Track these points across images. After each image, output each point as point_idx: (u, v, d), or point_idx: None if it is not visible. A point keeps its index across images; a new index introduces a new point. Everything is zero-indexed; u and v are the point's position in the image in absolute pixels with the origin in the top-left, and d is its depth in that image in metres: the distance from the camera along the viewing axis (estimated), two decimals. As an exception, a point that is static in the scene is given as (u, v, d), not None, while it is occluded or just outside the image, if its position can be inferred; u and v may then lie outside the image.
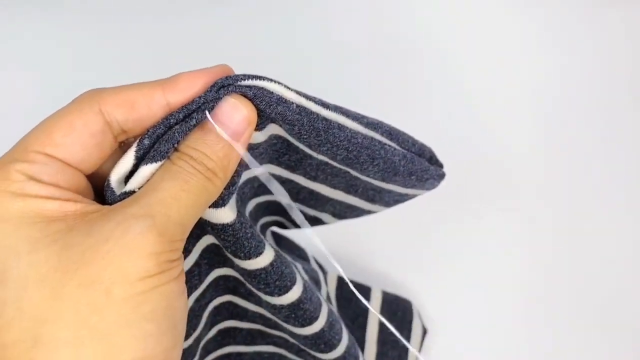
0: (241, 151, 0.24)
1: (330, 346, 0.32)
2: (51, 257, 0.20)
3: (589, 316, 0.47)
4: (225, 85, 0.24)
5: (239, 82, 0.24)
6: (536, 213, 0.51)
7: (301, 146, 0.28)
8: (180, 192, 0.22)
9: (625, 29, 0.58)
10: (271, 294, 0.29)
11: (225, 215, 0.26)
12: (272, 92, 0.24)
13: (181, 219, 0.22)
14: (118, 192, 0.23)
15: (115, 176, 0.23)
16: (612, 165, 0.53)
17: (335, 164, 0.29)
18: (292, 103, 0.24)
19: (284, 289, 0.28)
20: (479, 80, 0.56)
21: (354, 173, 0.30)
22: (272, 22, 0.59)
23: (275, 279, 0.28)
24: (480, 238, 0.50)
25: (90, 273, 0.20)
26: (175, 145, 0.23)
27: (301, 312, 0.30)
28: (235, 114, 0.24)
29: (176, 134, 0.23)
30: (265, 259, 0.27)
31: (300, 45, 0.58)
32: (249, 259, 0.27)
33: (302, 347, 0.33)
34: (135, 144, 0.24)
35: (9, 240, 0.21)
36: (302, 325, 0.30)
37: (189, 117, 0.23)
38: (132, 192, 0.23)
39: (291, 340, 0.34)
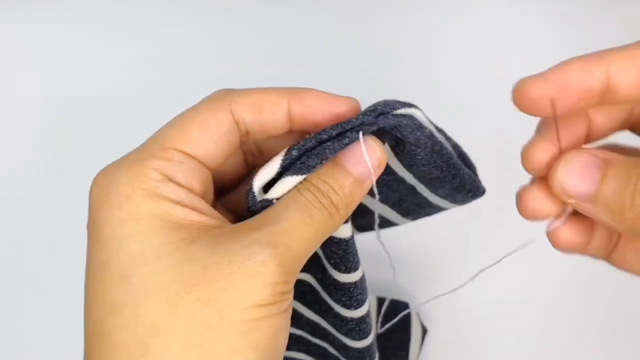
0: (366, 191, 0.24)
1: (371, 358, 0.33)
2: (173, 266, 0.21)
3: (589, 315, 0.47)
4: (385, 112, 0.24)
5: (395, 111, 0.24)
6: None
7: (395, 166, 0.28)
8: (304, 225, 0.22)
9: (625, 28, 0.58)
10: (349, 307, 0.29)
11: (347, 230, 0.26)
12: (417, 119, 0.25)
13: (300, 251, 0.22)
14: (259, 198, 0.23)
15: (258, 182, 0.24)
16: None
17: (410, 181, 0.30)
18: (426, 128, 0.25)
19: (361, 303, 0.29)
20: (480, 80, 0.56)
21: (420, 189, 0.31)
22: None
23: (358, 293, 0.28)
24: (480, 237, 0.50)
25: (209, 291, 0.20)
26: (324, 162, 0.23)
27: (364, 325, 0.30)
28: (371, 154, 0.24)
29: (327, 150, 0.23)
30: (358, 274, 0.28)
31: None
32: (348, 272, 0.27)
33: (343, 359, 0.34)
34: (282, 153, 0.24)
35: (137, 243, 0.21)
36: (360, 339, 0.31)
37: (342, 135, 0.24)
38: (270, 201, 0.23)
39: (330, 351, 0.36)
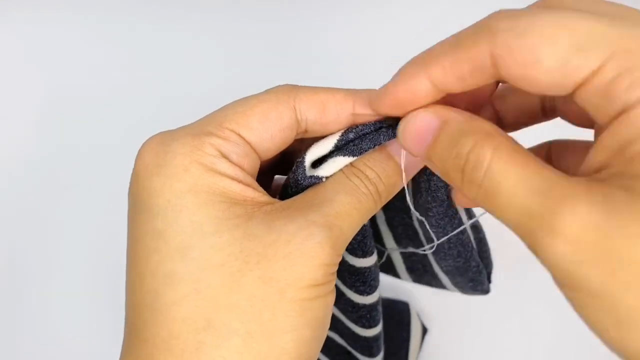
0: (405, 182, 0.25)
1: (378, 350, 0.34)
2: (233, 242, 0.21)
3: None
4: None
5: None
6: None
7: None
8: (353, 210, 0.23)
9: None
10: (362, 293, 0.29)
11: None
12: None
13: (349, 235, 0.23)
14: (308, 173, 0.24)
15: (310, 156, 0.24)
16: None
17: (421, 237, 0.30)
18: (448, 188, 0.26)
19: (374, 289, 0.30)
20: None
21: (428, 253, 0.31)
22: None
23: (372, 279, 0.29)
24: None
25: (270, 269, 0.21)
26: (376, 147, 0.24)
27: (375, 313, 0.31)
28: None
29: (381, 137, 0.24)
30: (373, 258, 0.28)
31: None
32: (365, 257, 0.28)
33: (351, 349, 0.34)
34: (339, 133, 0.24)
35: (195, 216, 0.21)
36: (370, 327, 0.32)
37: (396, 126, 0.24)
38: (320, 179, 0.24)
39: (338, 341, 0.36)
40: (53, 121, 0.56)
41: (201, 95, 0.55)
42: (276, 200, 0.23)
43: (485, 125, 0.20)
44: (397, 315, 0.46)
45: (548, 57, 0.17)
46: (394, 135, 0.24)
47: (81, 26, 0.60)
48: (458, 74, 0.20)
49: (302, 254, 0.21)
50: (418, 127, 0.22)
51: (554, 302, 0.48)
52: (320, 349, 0.23)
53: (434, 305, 0.48)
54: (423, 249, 0.29)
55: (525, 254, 0.48)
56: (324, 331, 0.23)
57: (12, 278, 0.51)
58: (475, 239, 0.30)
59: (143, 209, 0.22)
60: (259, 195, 0.23)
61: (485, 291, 0.33)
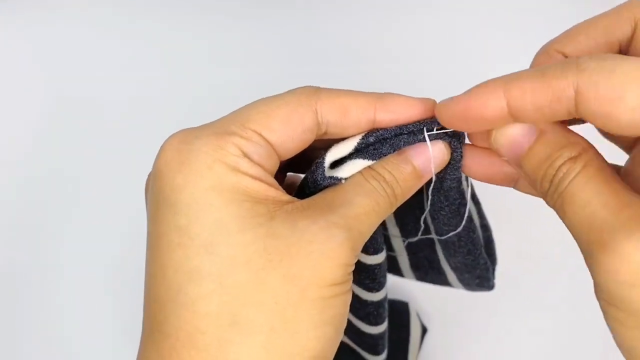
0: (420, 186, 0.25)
1: (383, 348, 0.34)
2: (257, 241, 0.21)
3: (592, 315, 0.47)
4: (458, 135, 0.25)
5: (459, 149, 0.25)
6: (535, 211, 0.51)
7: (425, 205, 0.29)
8: (372, 212, 0.23)
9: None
10: (370, 289, 0.30)
11: None
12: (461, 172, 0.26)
13: (366, 236, 0.23)
14: (327, 174, 0.24)
15: (331, 156, 0.25)
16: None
17: (432, 233, 0.31)
18: (462, 186, 0.27)
19: (382, 286, 0.30)
20: (479, 81, 0.56)
21: (437, 247, 0.32)
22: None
23: (381, 275, 0.29)
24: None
25: (293, 268, 0.21)
26: (394, 152, 0.25)
27: (382, 310, 0.31)
28: (437, 153, 0.25)
29: (402, 143, 0.24)
30: (382, 255, 0.29)
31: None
32: (375, 254, 0.28)
33: (356, 347, 0.35)
34: (360, 136, 0.25)
35: (219, 213, 0.21)
36: (377, 324, 0.32)
37: (417, 131, 0.25)
38: (339, 180, 0.24)
39: (342, 339, 0.36)
40: (57, 122, 0.56)
41: (201, 96, 0.56)
42: (296, 199, 0.24)
43: (581, 141, 0.21)
44: (397, 315, 0.47)
45: (632, 95, 0.18)
46: (414, 142, 0.25)
47: (86, 26, 0.60)
48: (537, 102, 0.20)
49: (324, 254, 0.21)
50: (516, 134, 0.22)
51: (554, 302, 0.49)
52: (338, 345, 0.23)
53: (434, 305, 0.49)
54: (447, 235, 0.29)
55: (525, 254, 0.49)
56: (343, 328, 0.23)
57: (12, 278, 0.51)
58: (483, 237, 0.31)
59: (166, 205, 0.22)
60: (280, 194, 0.23)
61: (491, 287, 0.33)
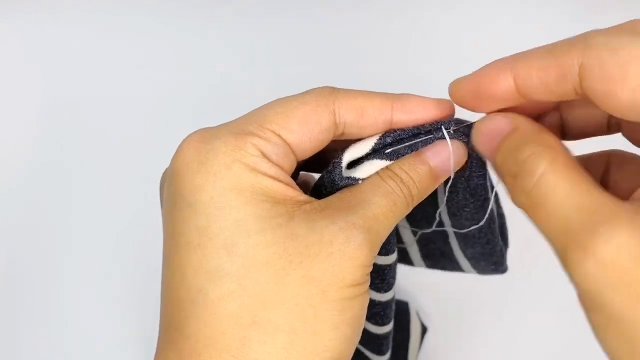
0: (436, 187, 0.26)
1: (387, 348, 0.34)
2: (277, 242, 0.21)
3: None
4: (470, 125, 0.25)
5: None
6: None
7: (442, 206, 0.29)
8: (390, 212, 0.23)
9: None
10: (379, 290, 0.30)
11: None
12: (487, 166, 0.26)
13: (384, 236, 0.24)
14: (345, 175, 0.24)
15: (348, 157, 0.25)
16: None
17: (447, 227, 0.31)
18: (487, 181, 0.27)
19: (390, 287, 0.30)
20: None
21: (451, 239, 0.32)
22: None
23: (391, 277, 0.29)
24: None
25: (313, 269, 0.21)
26: (412, 153, 0.25)
27: (389, 310, 0.31)
28: (455, 154, 0.25)
29: (420, 144, 0.25)
30: (394, 257, 0.29)
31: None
32: (387, 255, 0.28)
33: (360, 347, 0.34)
34: (377, 137, 0.25)
35: (239, 214, 0.21)
36: (383, 324, 0.32)
37: (435, 132, 0.25)
38: (357, 180, 0.24)
39: None
40: (57, 122, 0.55)
41: (201, 96, 0.55)
42: (314, 199, 0.24)
43: (550, 139, 0.21)
44: (397, 315, 0.47)
45: (634, 76, 0.18)
46: (431, 142, 0.25)
47: (84, 25, 0.59)
48: (544, 79, 0.20)
49: (344, 255, 0.21)
50: (492, 128, 0.23)
51: (554, 302, 0.49)
52: (356, 346, 0.23)
53: (434, 305, 0.49)
54: (469, 229, 0.30)
55: (525, 254, 0.49)
56: (361, 329, 0.23)
57: (12, 279, 0.50)
58: (499, 224, 0.31)
59: (184, 205, 0.22)
60: (298, 194, 0.23)
61: (504, 271, 0.34)
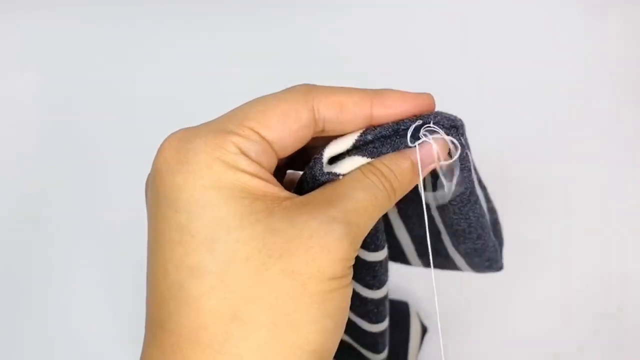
0: (420, 181, 0.26)
1: (383, 346, 0.35)
2: (256, 237, 0.22)
3: (592, 318, 0.47)
4: (457, 126, 0.25)
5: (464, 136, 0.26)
6: (536, 211, 0.51)
7: (430, 202, 0.30)
8: (370, 206, 0.24)
9: (625, 30, 0.58)
10: (371, 287, 0.30)
11: None
12: (470, 159, 0.27)
13: (365, 230, 0.24)
14: (326, 170, 0.25)
15: (329, 152, 0.25)
16: (614, 166, 0.53)
17: (438, 223, 0.31)
18: (472, 173, 0.27)
19: (383, 283, 0.30)
20: (479, 82, 0.56)
21: (443, 236, 0.32)
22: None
23: (382, 272, 0.29)
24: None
25: (293, 263, 0.21)
26: (392, 152, 0.25)
27: (382, 308, 0.31)
28: (438, 146, 0.25)
29: (402, 145, 0.25)
30: (384, 252, 0.29)
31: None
32: (376, 251, 0.28)
33: (355, 344, 0.35)
34: (358, 133, 0.25)
35: (219, 211, 0.22)
36: (377, 322, 0.32)
37: (416, 130, 0.25)
38: (337, 176, 0.24)
39: (342, 337, 0.37)
40: (57, 121, 0.56)
41: (201, 96, 0.56)
42: (295, 195, 0.24)
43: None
44: (397, 315, 0.47)
45: None
46: (416, 139, 0.25)
47: (86, 25, 0.60)
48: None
49: (323, 248, 0.22)
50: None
51: (554, 302, 0.49)
52: (340, 338, 0.24)
53: (434, 306, 0.48)
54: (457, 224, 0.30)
55: (526, 254, 0.49)
56: (344, 321, 0.23)
57: (11, 278, 0.51)
58: (490, 220, 0.31)
59: (165, 203, 0.22)
60: (278, 190, 0.23)
61: (500, 268, 0.34)
